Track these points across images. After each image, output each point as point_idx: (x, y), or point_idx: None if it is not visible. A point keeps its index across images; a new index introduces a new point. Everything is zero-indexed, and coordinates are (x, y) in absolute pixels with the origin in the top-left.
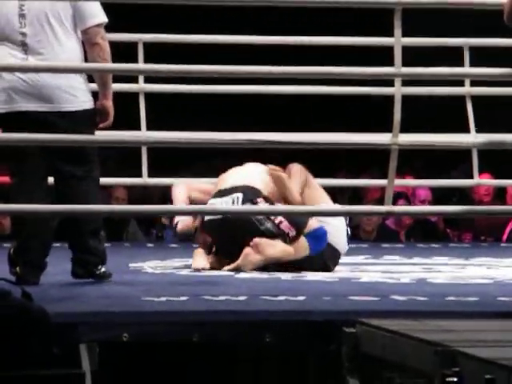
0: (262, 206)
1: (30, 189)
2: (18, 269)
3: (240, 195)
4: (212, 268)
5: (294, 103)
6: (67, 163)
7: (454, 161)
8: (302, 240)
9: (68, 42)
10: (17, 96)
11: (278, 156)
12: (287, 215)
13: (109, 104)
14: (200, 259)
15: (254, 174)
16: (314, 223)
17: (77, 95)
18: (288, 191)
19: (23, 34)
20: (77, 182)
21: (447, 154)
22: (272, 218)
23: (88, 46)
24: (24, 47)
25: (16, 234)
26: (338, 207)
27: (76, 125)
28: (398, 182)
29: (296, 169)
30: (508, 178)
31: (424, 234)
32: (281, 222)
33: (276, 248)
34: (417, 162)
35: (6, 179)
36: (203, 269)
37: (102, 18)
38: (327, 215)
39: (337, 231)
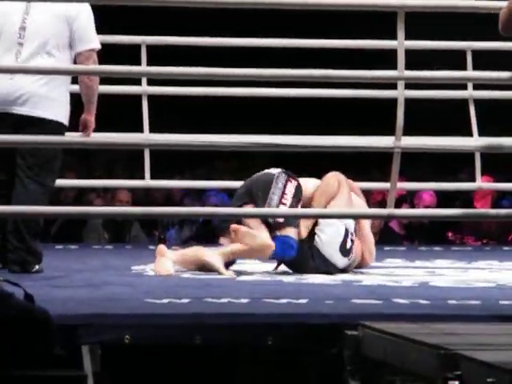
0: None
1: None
2: None
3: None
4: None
5: (297, 106)
6: (28, 168)
7: (461, 164)
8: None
9: (59, 61)
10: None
11: (283, 158)
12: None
13: (91, 119)
14: (167, 263)
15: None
16: (294, 232)
17: (54, 106)
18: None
19: (20, 44)
20: (28, 183)
21: (454, 156)
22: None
23: None
24: (17, 56)
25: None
26: (339, 209)
27: (44, 132)
28: (401, 185)
29: (325, 183)
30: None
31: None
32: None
33: (255, 239)
34: (422, 164)
35: None
36: (168, 275)
37: (95, 44)
38: (329, 217)
39: (329, 242)
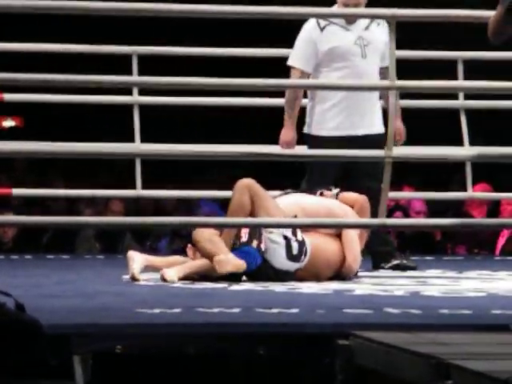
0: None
1: None
2: None
3: None
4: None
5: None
6: None
7: (453, 173)
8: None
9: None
10: None
11: (276, 168)
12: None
13: (282, 131)
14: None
15: None
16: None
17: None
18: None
19: None
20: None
21: (446, 166)
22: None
23: None
24: None
25: None
26: (328, 219)
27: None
28: (393, 194)
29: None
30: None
31: (420, 246)
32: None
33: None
34: (414, 174)
35: (7, 191)
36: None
37: (290, 61)
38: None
39: (275, 256)
